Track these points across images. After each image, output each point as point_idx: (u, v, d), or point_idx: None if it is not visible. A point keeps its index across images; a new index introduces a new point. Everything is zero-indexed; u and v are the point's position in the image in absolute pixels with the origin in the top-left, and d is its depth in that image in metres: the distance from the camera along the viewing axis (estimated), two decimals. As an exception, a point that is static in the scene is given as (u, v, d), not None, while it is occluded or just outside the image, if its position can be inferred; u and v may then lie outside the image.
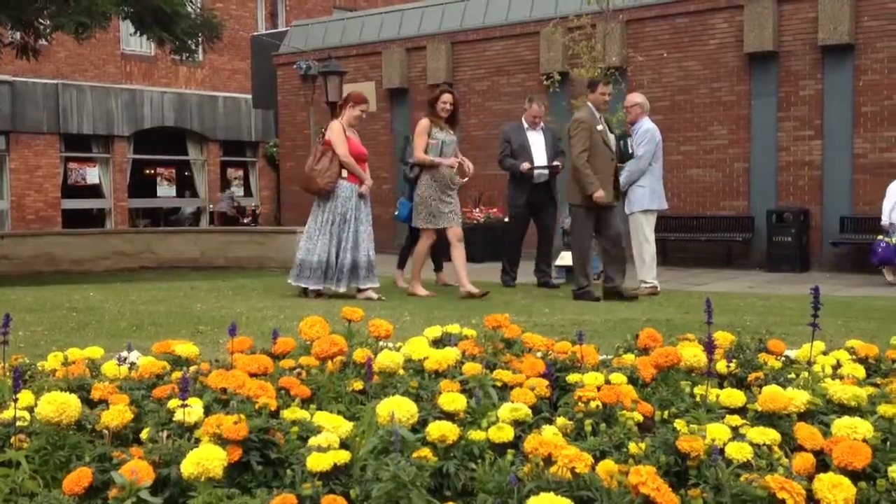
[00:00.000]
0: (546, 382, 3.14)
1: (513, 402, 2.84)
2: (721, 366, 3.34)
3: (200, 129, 25.96)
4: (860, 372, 3.19)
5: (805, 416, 2.63)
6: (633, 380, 3.28)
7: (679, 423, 2.59)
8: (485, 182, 17.31)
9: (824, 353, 3.58)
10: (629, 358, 3.54)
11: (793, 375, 3.16)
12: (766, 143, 14.70)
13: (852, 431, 2.31)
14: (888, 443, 2.33)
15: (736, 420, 2.65)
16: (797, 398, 2.63)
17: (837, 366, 3.40)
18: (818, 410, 2.66)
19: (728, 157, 15.06)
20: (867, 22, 13.67)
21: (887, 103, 13.62)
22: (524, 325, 6.21)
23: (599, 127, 8.44)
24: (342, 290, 8.25)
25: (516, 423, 2.67)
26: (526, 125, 9.95)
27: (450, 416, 2.78)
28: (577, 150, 8.35)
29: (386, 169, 18.53)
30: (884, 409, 2.52)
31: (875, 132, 13.75)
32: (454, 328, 4.18)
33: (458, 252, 8.62)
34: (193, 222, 26.09)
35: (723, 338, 3.82)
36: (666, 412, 2.76)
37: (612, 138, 8.63)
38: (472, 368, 3.27)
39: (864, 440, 2.28)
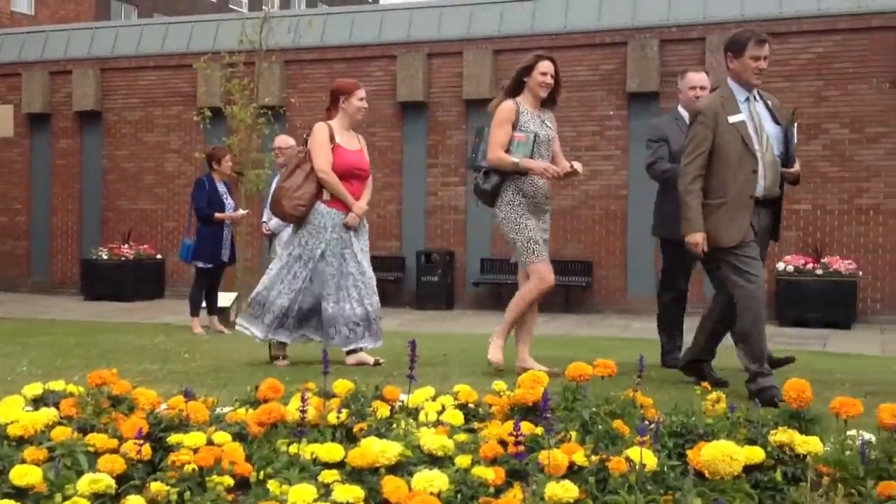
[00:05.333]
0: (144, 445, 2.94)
1: (99, 470, 2.63)
2: (332, 416, 3.35)
3: None
4: (458, 418, 3.33)
5: (396, 468, 2.68)
6: (243, 436, 3.19)
7: (272, 484, 2.54)
8: (135, 217, 16.52)
9: (433, 399, 3.70)
10: (242, 413, 3.44)
11: (396, 425, 3.23)
12: (417, 188, 15.48)
13: (429, 485, 2.39)
14: (460, 494, 2.43)
15: (333, 475, 2.65)
16: (389, 451, 2.69)
17: (442, 411, 3.53)
18: (409, 462, 2.73)
19: (382, 199, 15.62)
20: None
21: (521, 155, 14.91)
22: (156, 374, 5.94)
23: (735, 118, 5.04)
24: (286, 339, 6.22)
25: (97, 496, 2.46)
26: (687, 115, 6.14)
27: (23, 492, 2.50)
28: (683, 161, 5.17)
29: (20, 199, 17.07)
30: (461, 460, 2.64)
31: (511, 181, 14.98)
32: (58, 384, 3.82)
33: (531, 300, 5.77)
34: None
35: (342, 386, 3.84)
36: (262, 472, 2.70)
37: (769, 133, 5.08)
38: (61, 433, 2.98)
39: (439, 493, 2.36)
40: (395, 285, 15.05)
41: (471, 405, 3.61)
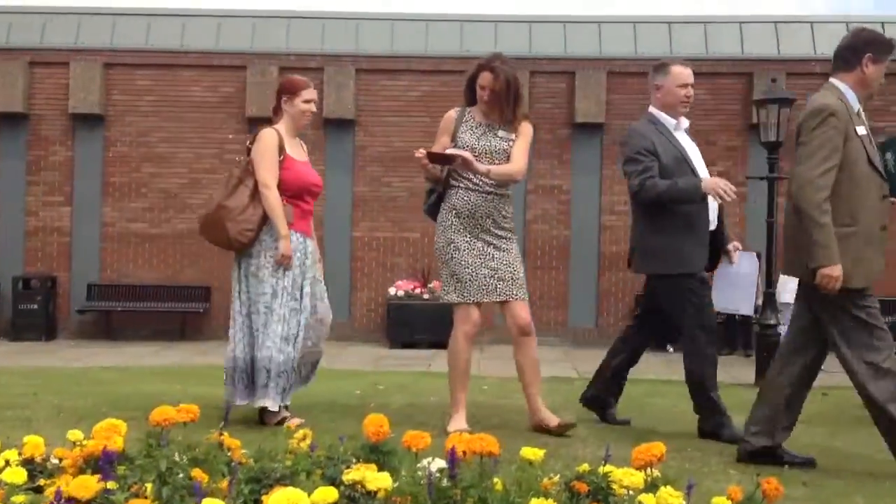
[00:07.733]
0: None
1: None
2: None
3: None
4: (20, 476, 2.99)
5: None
6: None
7: None
8: None
9: None
10: None
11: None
12: (15, 207, 14.18)
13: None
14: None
15: None
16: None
17: (5, 467, 3.16)
18: (-54, 537, 2.40)
19: (-31, 219, 14.11)
20: (116, 96, 14.14)
21: (134, 175, 14.24)
22: None
23: (861, 129, 4.22)
24: (240, 402, 5.03)
25: None
26: (671, 122, 5.12)
27: None
28: (809, 171, 4.11)
29: None
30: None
31: (122, 202, 14.26)
32: None
33: (528, 352, 4.95)
34: None
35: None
36: None
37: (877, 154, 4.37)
38: None
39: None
40: (-14, 314, 13.60)
41: (38, 459, 3.28)
